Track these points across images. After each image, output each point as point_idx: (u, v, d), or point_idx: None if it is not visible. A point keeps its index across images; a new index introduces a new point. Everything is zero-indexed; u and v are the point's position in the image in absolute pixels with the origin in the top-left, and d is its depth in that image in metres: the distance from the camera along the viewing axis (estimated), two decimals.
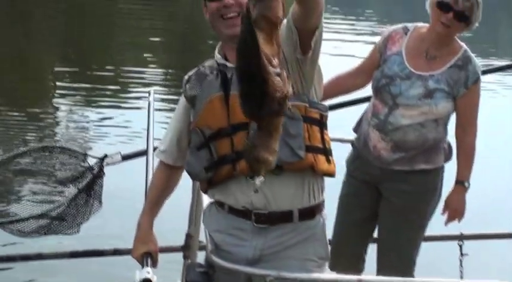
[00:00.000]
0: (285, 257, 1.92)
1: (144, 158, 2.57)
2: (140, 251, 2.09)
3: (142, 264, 2.05)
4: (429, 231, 2.81)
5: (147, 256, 2.07)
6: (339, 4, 16.72)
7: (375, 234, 2.85)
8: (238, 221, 1.93)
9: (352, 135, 2.83)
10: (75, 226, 2.68)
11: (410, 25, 2.70)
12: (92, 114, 7.00)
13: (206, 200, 2.07)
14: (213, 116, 1.91)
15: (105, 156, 2.74)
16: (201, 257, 2.24)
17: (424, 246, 2.80)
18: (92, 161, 2.73)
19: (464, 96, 2.61)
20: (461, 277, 2.85)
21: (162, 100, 7.07)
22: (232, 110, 1.88)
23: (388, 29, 2.75)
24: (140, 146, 2.87)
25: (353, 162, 2.80)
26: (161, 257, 2.15)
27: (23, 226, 2.65)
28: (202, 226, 2.14)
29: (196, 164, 1.94)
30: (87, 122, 6.77)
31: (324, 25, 1.83)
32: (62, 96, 7.89)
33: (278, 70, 1.39)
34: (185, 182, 2.19)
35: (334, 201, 2.77)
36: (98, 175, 2.70)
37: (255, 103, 1.37)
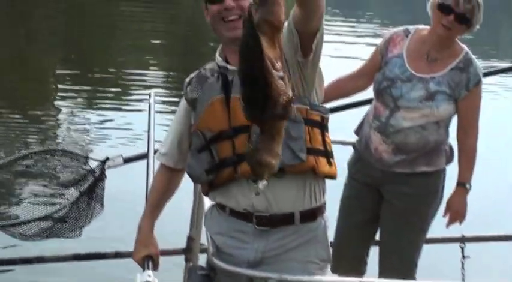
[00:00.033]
0: (287, 259, 1.92)
1: (145, 161, 2.57)
2: (141, 254, 2.09)
3: (144, 267, 2.05)
4: (431, 233, 2.80)
5: (148, 259, 2.07)
6: (339, 6, 16.73)
7: (377, 237, 2.85)
8: (239, 223, 1.93)
9: (354, 138, 2.83)
10: (77, 229, 2.68)
11: (411, 27, 2.70)
12: (93, 116, 7.00)
13: (207, 202, 2.07)
14: (214, 118, 1.91)
15: (107, 159, 2.74)
16: (202, 259, 2.24)
17: (426, 248, 2.80)
18: (93, 164, 2.74)
19: (465, 98, 2.61)
20: (463, 279, 2.86)
21: (164, 102, 7.08)
22: (233, 113, 1.88)
23: (389, 31, 2.75)
24: (142, 148, 2.87)
25: (354, 164, 2.80)
26: (163, 259, 2.15)
27: (25, 229, 2.65)
28: (203, 229, 2.14)
29: (198, 167, 1.94)
30: (89, 124, 6.77)
31: (325, 27, 1.83)
32: (63, 98, 7.90)
33: (281, 73, 1.39)
34: (186, 184, 2.19)
35: (336, 204, 2.77)
36: (100, 178, 2.70)
37: (258, 106, 1.37)
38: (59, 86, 8.64)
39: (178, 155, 2.09)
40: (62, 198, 2.76)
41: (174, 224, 2.79)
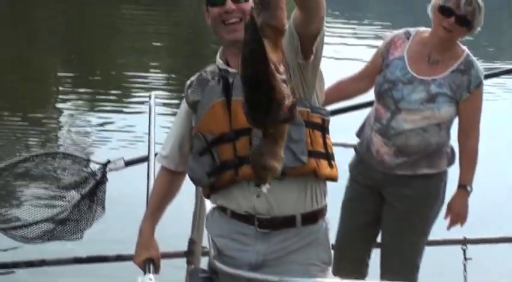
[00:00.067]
0: (288, 261, 1.92)
1: (146, 163, 2.57)
2: (142, 257, 2.08)
3: (145, 270, 2.05)
4: (432, 235, 2.80)
5: (149, 262, 2.07)
6: (340, 8, 16.74)
7: (379, 239, 2.84)
8: (240, 225, 1.93)
9: (355, 140, 2.83)
10: (78, 232, 2.68)
11: (412, 30, 2.70)
12: (94, 118, 7.01)
13: (209, 205, 2.07)
14: (215, 121, 1.92)
15: (108, 162, 2.75)
16: (204, 262, 2.24)
17: (428, 250, 2.80)
18: (94, 167, 2.74)
19: (466, 100, 2.61)
20: None
21: (165, 105, 7.08)
22: (234, 116, 1.88)
23: (390, 33, 2.75)
24: (143, 150, 2.87)
25: (356, 166, 2.80)
26: (164, 262, 2.15)
27: (26, 232, 2.65)
28: (205, 231, 2.14)
29: (199, 170, 1.94)
30: (90, 127, 6.78)
31: (326, 29, 1.83)
32: (64, 100, 7.91)
33: (284, 77, 1.39)
34: (188, 187, 2.19)
35: (337, 206, 2.76)
36: (101, 181, 2.70)
37: (262, 110, 1.37)
38: (60, 88, 8.65)
39: (179, 157, 2.09)
40: (63, 201, 2.76)
41: (176, 226, 2.79)
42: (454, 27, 2.54)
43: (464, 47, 2.67)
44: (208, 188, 1.98)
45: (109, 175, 2.75)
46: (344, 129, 2.87)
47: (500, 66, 9.67)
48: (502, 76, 5.16)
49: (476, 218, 2.91)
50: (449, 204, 2.74)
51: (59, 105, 7.73)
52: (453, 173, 2.73)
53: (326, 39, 1.87)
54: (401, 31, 2.72)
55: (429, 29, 2.66)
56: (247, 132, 1.80)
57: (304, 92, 1.89)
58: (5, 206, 2.86)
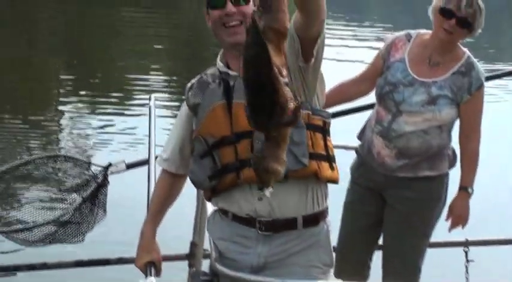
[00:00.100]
0: (290, 264, 1.91)
1: (147, 166, 2.57)
2: (143, 260, 2.08)
3: (146, 273, 2.05)
4: (434, 237, 2.80)
5: (151, 265, 2.06)
6: (341, 10, 16.75)
7: (380, 241, 2.84)
8: (242, 228, 1.93)
9: (357, 143, 2.83)
10: (79, 235, 2.68)
11: (413, 32, 2.70)
12: (95, 121, 7.02)
13: (210, 208, 2.07)
14: (216, 124, 1.91)
15: (110, 164, 2.74)
16: (205, 265, 2.24)
17: (430, 252, 2.80)
18: (96, 170, 2.74)
19: (467, 102, 2.61)
20: None
21: (166, 107, 7.09)
22: (235, 118, 1.88)
23: (391, 36, 2.75)
24: (144, 153, 2.87)
25: (357, 169, 2.80)
26: (166, 265, 2.15)
27: (28, 235, 2.65)
28: (206, 234, 2.14)
29: (200, 173, 1.94)
30: (91, 129, 6.79)
31: (326, 31, 1.83)
32: (65, 103, 7.92)
33: (287, 80, 1.39)
34: (189, 190, 2.19)
35: (338, 208, 2.76)
36: (103, 184, 2.70)
37: (265, 113, 1.36)
38: (61, 90, 8.67)
39: (180, 160, 2.09)
40: (64, 204, 2.76)
41: (177, 229, 2.79)
42: (455, 29, 2.54)
43: (465, 49, 2.66)
44: (210, 191, 1.98)
45: (110, 178, 2.75)
46: (345, 132, 2.87)
47: (501, 67, 9.68)
48: (504, 78, 5.16)
49: (478, 220, 2.91)
50: (450, 206, 2.74)
51: (60, 108, 7.74)
52: (454, 175, 2.73)
53: (327, 41, 1.86)
54: (402, 33, 2.72)
55: (430, 31, 2.66)
56: (249, 135, 1.80)
57: (305, 95, 1.89)
58: (6, 209, 2.85)
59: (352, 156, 2.85)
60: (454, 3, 2.52)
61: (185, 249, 2.49)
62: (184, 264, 2.48)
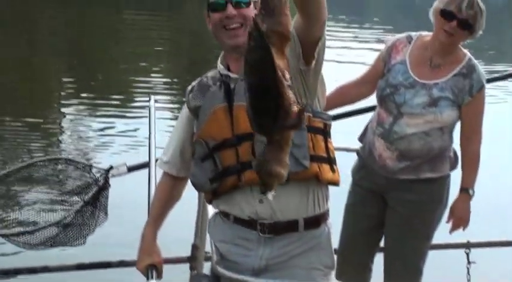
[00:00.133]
0: (291, 266, 1.91)
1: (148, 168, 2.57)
2: (145, 263, 2.08)
3: (147, 276, 2.05)
4: (436, 239, 2.80)
5: (152, 268, 2.06)
6: (342, 12, 16.76)
7: (382, 243, 2.84)
8: (243, 231, 1.93)
9: (358, 145, 2.83)
10: (81, 238, 2.68)
11: (414, 34, 2.70)
12: (96, 123, 7.03)
13: (211, 210, 2.07)
14: (217, 127, 1.91)
15: (111, 167, 2.74)
16: (207, 267, 2.24)
17: (431, 254, 2.79)
18: (97, 173, 2.73)
19: (469, 104, 2.61)
20: None
21: (167, 109, 7.10)
22: (236, 121, 1.88)
23: (391, 38, 2.75)
24: (145, 155, 2.86)
25: (358, 171, 2.80)
26: (167, 268, 2.15)
27: (30, 238, 2.65)
28: (208, 237, 2.14)
29: (201, 175, 1.93)
30: (92, 131, 6.80)
31: (327, 33, 1.83)
32: (66, 105, 7.94)
33: (290, 83, 1.39)
34: (190, 193, 2.19)
35: (339, 210, 2.76)
36: (104, 187, 2.70)
37: (269, 116, 1.36)
38: (62, 93, 8.68)
39: (180, 163, 2.09)
40: (66, 207, 2.75)
41: (178, 232, 2.79)
42: (456, 31, 2.54)
43: (466, 51, 2.66)
44: (211, 193, 1.98)
45: (111, 180, 2.75)
46: (347, 134, 2.88)
47: (501, 68, 9.68)
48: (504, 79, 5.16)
49: (479, 222, 2.90)
50: (451, 208, 2.74)
51: (61, 110, 7.76)
52: (456, 177, 2.73)
53: (327, 43, 1.87)
54: (403, 35, 2.71)
55: (431, 33, 2.66)
56: (250, 138, 1.80)
57: (306, 97, 1.89)
58: (7, 212, 2.85)
59: (353, 158, 2.85)
60: (455, 5, 2.52)
61: (186, 251, 2.49)
62: (186, 266, 2.48)
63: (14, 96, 7.93)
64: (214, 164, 1.91)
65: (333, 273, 2.01)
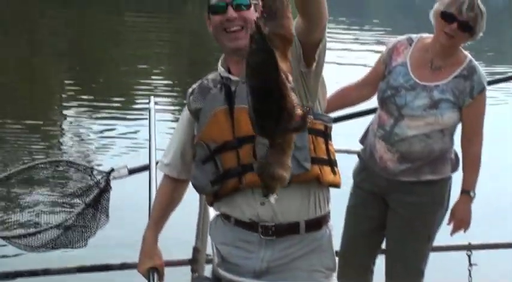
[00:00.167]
0: (292, 268, 1.91)
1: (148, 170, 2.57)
2: (146, 265, 2.08)
3: (149, 279, 2.05)
4: (437, 241, 2.79)
5: (153, 271, 2.06)
6: (342, 14, 16.77)
7: (383, 245, 2.84)
8: (244, 233, 1.93)
9: (359, 147, 2.83)
10: (82, 240, 2.68)
11: (414, 36, 2.70)
12: (97, 125, 7.04)
13: (213, 213, 2.07)
14: (218, 129, 1.91)
15: (112, 170, 2.74)
16: (208, 270, 2.23)
17: (433, 256, 2.79)
18: (98, 175, 2.73)
19: (470, 106, 2.61)
20: None
21: (168, 111, 7.10)
22: (237, 123, 1.88)
23: (392, 40, 2.75)
24: (146, 157, 2.87)
25: (360, 173, 2.80)
26: (169, 270, 2.14)
27: (31, 241, 2.65)
28: (209, 239, 2.14)
29: (202, 178, 1.93)
30: (92, 133, 6.80)
31: (328, 34, 1.83)
32: (67, 107, 7.95)
33: (293, 85, 1.39)
34: (191, 195, 2.19)
35: (340, 213, 2.76)
36: (105, 189, 2.70)
37: (272, 119, 1.36)
38: (63, 95, 8.68)
39: (181, 165, 2.09)
40: (67, 209, 2.76)
41: (180, 234, 2.79)
42: (456, 33, 2.54)
43: (467, 53, 2.66)
44: (212, 195, 1.98)
45: (112, 182, 2.75)
46: (348, 136, 2.88)
47: (502, 70, 9.68)
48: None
49: (481, 224, 2.90)
50: (452, 210, 2.73)
51: (63, 112, 7.77)
52: (457, 179, 2.73)
53: (328, 45, 1.87)
54: (403, 37, 2.72)
55: (432, 35, 2.66)
56: (251, 140, 1.80)
57: (306, 100, 1.89)
58: (9, 215, 2.86)
59: (354, 160, 2.85)
60: (456, 7, 2.52)
61: (188, 254, 2.49)
62: (187, 269, 2.48)
63: (14, 97, 7.95)
64: (216, 167, 1.91)
65: (334, 275, 2.00)
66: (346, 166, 2.46)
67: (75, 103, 8.02)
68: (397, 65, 2.66)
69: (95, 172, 2.74)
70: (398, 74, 2.64)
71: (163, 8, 15.81)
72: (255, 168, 1.44)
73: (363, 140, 2.81)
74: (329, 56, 1.91)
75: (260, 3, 1.47)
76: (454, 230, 2.75)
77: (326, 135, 1.92)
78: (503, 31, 17.16)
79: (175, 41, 12.56)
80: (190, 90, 2.05)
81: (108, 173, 2.73)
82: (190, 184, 2.07)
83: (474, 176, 2.69)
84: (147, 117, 3.07)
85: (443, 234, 2.79)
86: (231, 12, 1.90)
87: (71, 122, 7.26)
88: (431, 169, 2.65)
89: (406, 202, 2.68)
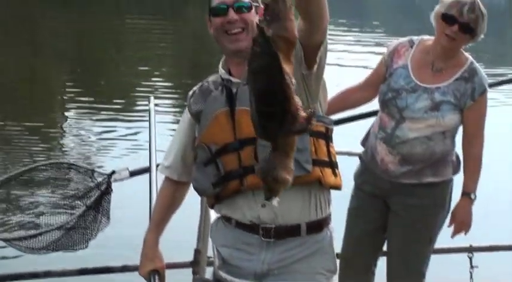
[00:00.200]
0: (293, 270, 1.91)
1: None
2: (147, 268, 2.08)
3: (150, 281, 2.05)
4: (438, 243, 2.79)
5: (154, 273, 2.06)
6: (343, 15, 16.77)
7: (385, 247, 2.83)
8: (245, 235, 1.93)
9: (360, 149, 2.83)
10: (83, 242, 2.68)
11: (415, 38, 2.70)
12: (98, 127, 7.04)
13: (214, 215, 2.07)
14: (219, 131, 1.91)
15: (113, 172, 2.74)
16: (209, 272, 2.23)
17: (434, 258, 2.79)
18: (99, 177, 2.73)
19: (471, 108, 2.60)
20: None
21: (169, 113, 7.10)
22: (238, 125, 1.88)
23: (393, 42, 2.75)
24: (147, 159, 2.87)
25: (361, 175, 2.80)
26: (170, 272, 2.14)
27: (32, 243, 2.65)
28: (210, 241, 2.14)
29: (204, 180, 1.93)
30: (93, 135, 6.81)
31: (329, 36, 1.83)
32: (68, 109, 7.95)
33: (296, 88, 1.39)
34: (192, 197, 2.19)
35: (341, 215, 2.76)
36: (106, 191, 2.70)
37: (276, 122, 1.35)
38: (63, 96, 8.69)
39: (182, 168, 2.09)
40: (68, 211, 2.76)
41: (181, 237, 2.78)
42: (457, 35, 2.54)
43: (468, 55, 2.66)
44: (213, 198, 1.98)
45: (113, 185, 2.75)
46: (349, 138, 2.88)
47: (502, 71, 9.68)
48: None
49: (482, 226, 2.90)
50: (453, 212, 2.73)
51: (64, 114, 7.77)
52: (458, 181, 2.72)
53: (329, 47, 1.87)
54: (405, 39, 2.71)
55: (433, 37, 2.66)
56: (252, 142, 1.81)
57: (307, 102, 1.89)
58: (9, 216, 2.86)
59: (355, 162, 2.85)
60: (456, 9, 2.52)
61: (189, 256, 2.48)
62: (188, 271, 2.47)
63: (14, 98, 7.95)
64: (217, 169, 1.91)
65: (336, 277, 2.00)
66: (347, 168, 2.46)
67: (75, 104, 8.03)
68: (398, 67, 2.66)
69: (95, 174, 2.74)
70: (400, 76, 2.64)
71: (164, 10, 15.83)
72: (258, 172, 1.43)
73: (364, 142, 2.81)
74: (330, 58, 1.91)
75: (262, 6, 1.47)
76: (455, 233, 2.74)
77: (327, 137, 1.93)
78: (504, 33, 17.16)
79: (176, 42, 12.56)
80: (191, 92, 2.05)
81: (109, 175, 2.73)
82: (191, 186, 2.07)
83: (475, 178, 2.68)
84: (148, 118, 3.07)
85: (445, 236, 2.78)
86: (232, 15, 1.90)
87: (71, 124, 7.27)
88: (433, 171, 2.65)
89: (407, 204, 2.68)
